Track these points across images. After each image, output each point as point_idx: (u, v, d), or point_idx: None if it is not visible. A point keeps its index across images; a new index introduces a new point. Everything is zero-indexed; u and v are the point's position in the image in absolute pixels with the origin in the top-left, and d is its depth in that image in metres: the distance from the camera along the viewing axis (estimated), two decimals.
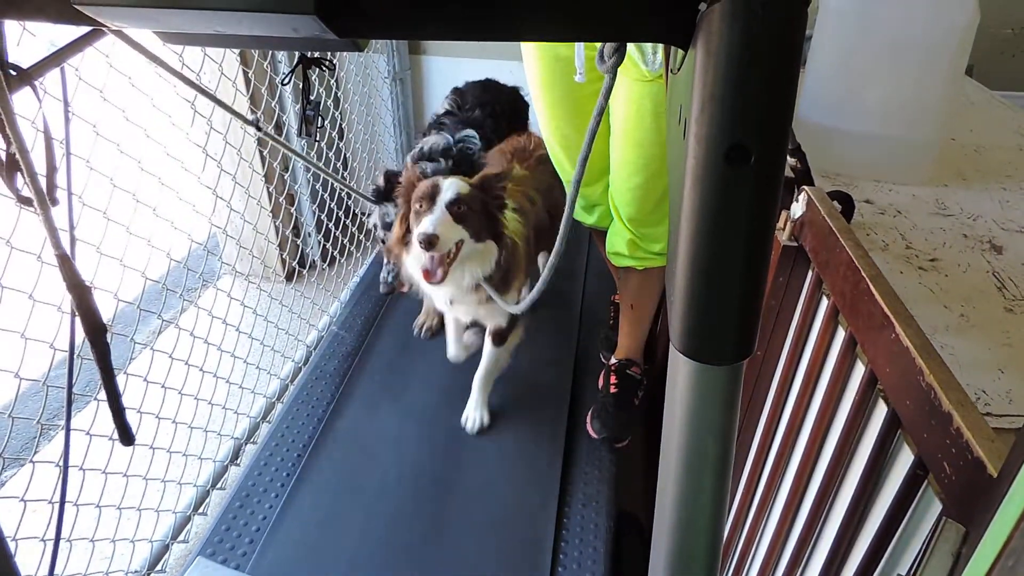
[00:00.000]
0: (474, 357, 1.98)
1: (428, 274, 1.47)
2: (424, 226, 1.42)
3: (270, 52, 2.30)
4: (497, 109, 2.11)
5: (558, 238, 0.90)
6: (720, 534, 0.73)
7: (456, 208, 1.46)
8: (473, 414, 1.89)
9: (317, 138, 1.14)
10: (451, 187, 1.48)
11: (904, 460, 0.81)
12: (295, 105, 2.45)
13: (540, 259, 2.08)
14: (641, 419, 1.93)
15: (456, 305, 1.71)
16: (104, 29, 0.99)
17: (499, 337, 1.84)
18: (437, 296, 1.70)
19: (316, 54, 1.00)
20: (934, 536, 0.56)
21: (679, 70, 0.66)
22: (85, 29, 1.19)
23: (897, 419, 0.82)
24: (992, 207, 1.43)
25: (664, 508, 0.75)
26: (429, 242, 1.40)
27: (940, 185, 1.51)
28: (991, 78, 2.30)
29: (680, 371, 0.67)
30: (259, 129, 1.54)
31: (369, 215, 1.92)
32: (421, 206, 1.48)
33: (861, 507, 0.89)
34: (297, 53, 1.01)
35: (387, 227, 1.78)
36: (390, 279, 1.86)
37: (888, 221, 1.36)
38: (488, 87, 2.23)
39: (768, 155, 0.54)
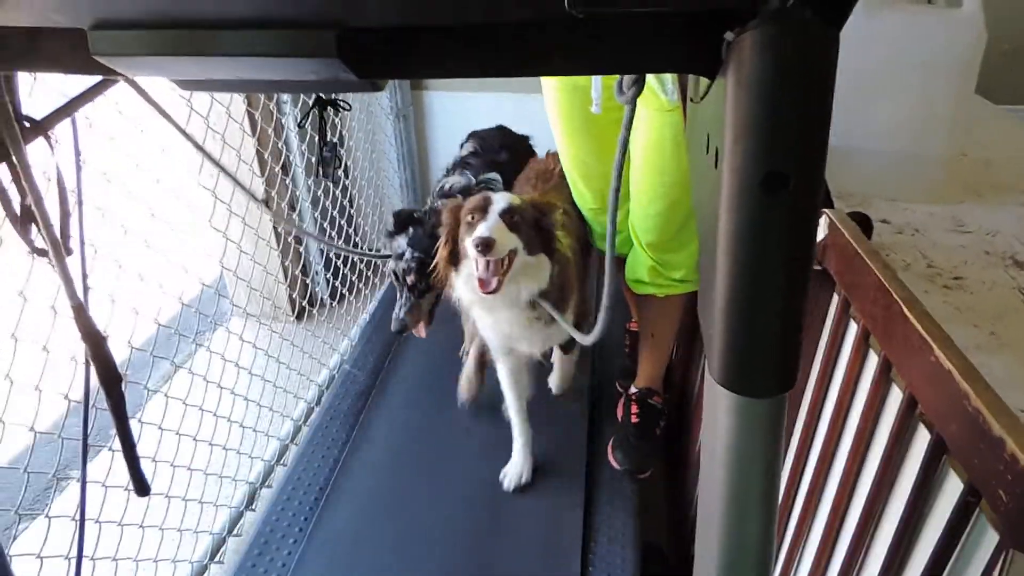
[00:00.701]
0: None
1: (484, 283, 1.42)
2: (480, 231, 1.39)
3: (275, 95, 2.31)
4: (518, 156, 2.11)
5: (607, 276, 0.88)
6: (768, 573, 0.71)
7: (509, 217, 1.43)
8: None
9: (334, 179, 1.13)
10: (503, 198, 1.47)
11: (952, 487, 0.79)
12: (301, 145, 2.46)
13: None
14: (662, 448, 1.90)
15: (517, 334, 1.66)
16: (116, 78, 0.99)
17: (567, 345, 1.89)
18: (492, 324, 1.65)
19: (333, 95, 1.00)
20: (1001, 571, 0.54)
21: (702, 99, 0.65)
22: (97, 79, 1.20)
23: (942, 445, 0.80)
24: (1010, 222, 1.42)
25: (707, 548, 0.73)
26: (486, 245, 1.36)
27: (956, 202, 1.50)
28: (991, 93, 2.31)
29: (720, 405, 0.65)
30: (268, 208, 1.53)
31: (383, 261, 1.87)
32: (473, 218, 1.45)
33: (907, 539, 0.86)
34: (313, 95, 1.00)
35: (397, 258, 1.74)
36: (402, 315, 1.78)
37: (907, 240, 1.35)
38: (506, 133, 2.23)
39: (806, 181, 0.52)
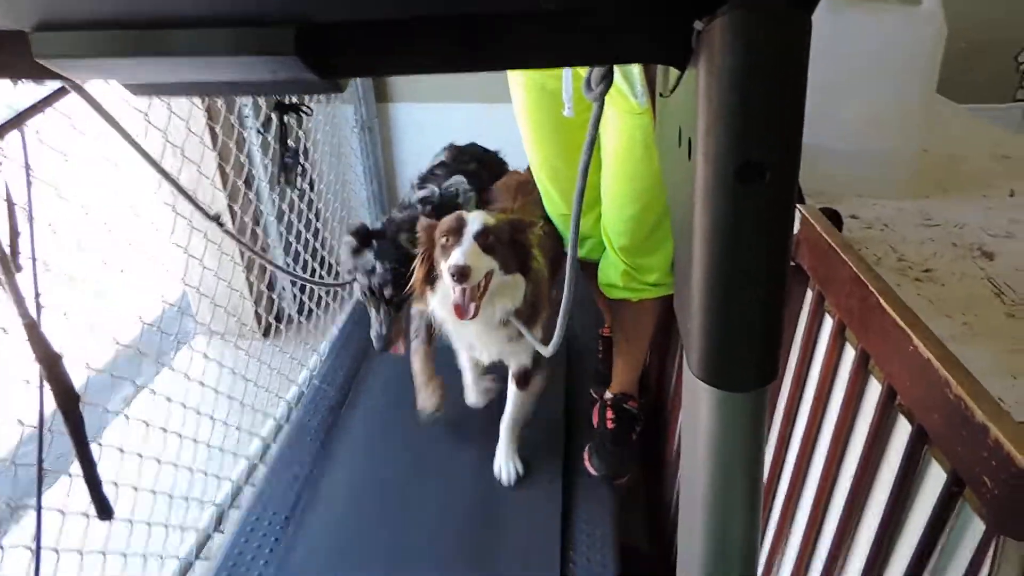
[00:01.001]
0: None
1: (460, 310, 1.38)
2: (455, 258, 1.35)
3: (236, 106, 2.26)
4: (489, 167, 2.06)
5: (567, 282, 0.86)
6: (754, 569, 0.69)
7: (484, 239, 1.39)
8: (505, 465, 1.81)
9: (298, 185, 1.10)
10: (477, 218, 1.43)
11: (935, 478, 0.78)
12: (264, 158, 2.41)
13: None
14: (639, 453, 1.89)
15: (481, 346, 1.64)
16: (67, 88, 0.95)
17: (523, 379, 1.75)
18: (462, 336, 1.64)
19: (293, 99, 0.97)
20: (994, 558, 0.53)
21: (672, 91, 0.64)
22: (46, 91, 1.15)
23: (923, 435, 0.79)
24: (976, 215, 1.44)
25: (690, 547, 0.71)
26: (462, 274, 1.32)
27: (922, 197, 1.52)
28: (950, 92, 2.35)
29: (700, 400, 0.63)
30: (220, 225, 1.48)
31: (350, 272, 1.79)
32: (447, 240, 1.41)
33: (891, 531, 0.85)
34: (274, 99, 0.97)
35: (368, 274, 1.66)
36: (384, 332, 1.69)
37: (876, 235, 1.36)
38: (477, 148, 2.17)
39: (782, 170, 0.51)
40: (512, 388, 1.77)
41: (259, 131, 1.19)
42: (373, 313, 1.72)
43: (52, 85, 1.09)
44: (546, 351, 1.20)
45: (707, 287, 0.56)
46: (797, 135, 0.52)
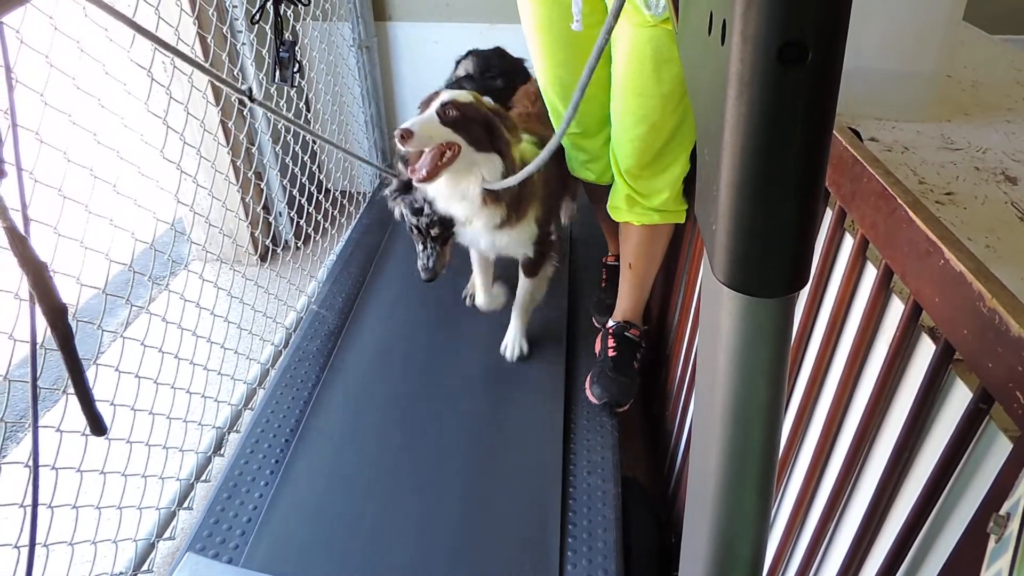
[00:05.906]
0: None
1: (415, 170, 1.48)
2: (405, 123, 1.44)
3: (228, 17, 2.16)
4: (514, 81, 2.06)
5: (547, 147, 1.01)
6: (772, 490, 0.67)
7: (445, 111, 1.47)
8: (512, 343, 1.94)
9: (293, 83, 1.04)
10: (447, 94, 1.52)
11: (958, 396, 0.75)
12: (258, 73, 2.32)
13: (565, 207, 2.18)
14: (640, 382, 1.87)
15: (481, 239, 1.71)
16: None
17: (530, 268, 1.85)
18: (465, 233, 1.73)
19: None
20: None
21: None
22: None
23: (948, 353, 0.76)
24: (999, 139, 1.39)
25: (706, 465, 0.68)
26: (402, 136, 1.41)
27: (943, 120, 1.46)
28: (971, 22, 2.26)
29: (724, 307, 0.59)
30: (251, 99, 1.46)
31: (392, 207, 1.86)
32: (420, 111, 1.50)
33: (908, 450, 0.83)
34: None
35: (416, 212, 1.74)
36: (431, 265, 1.82)
37: (897, 158, 1.31)
38: (503, 56, 2.16)
39: (827, 52, 0.47)
40: (521, 276, 1.88)
41: (252, 21, 1.13)
42: (419, 247, 1.83)
43: None
44: (498, 185, 1.38)
45: (739, 183, 0.52)
46: (845, 13, 0.47)
